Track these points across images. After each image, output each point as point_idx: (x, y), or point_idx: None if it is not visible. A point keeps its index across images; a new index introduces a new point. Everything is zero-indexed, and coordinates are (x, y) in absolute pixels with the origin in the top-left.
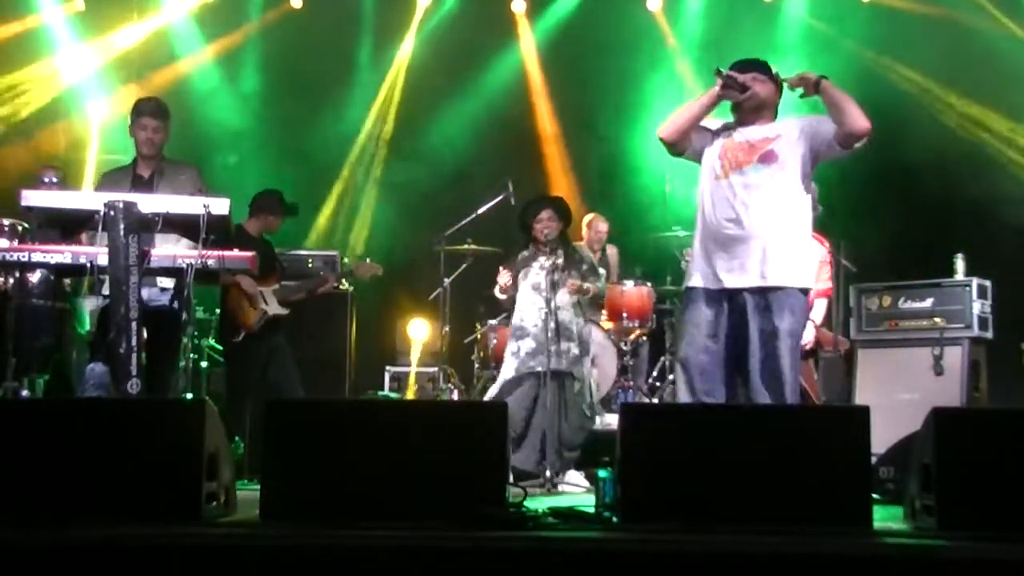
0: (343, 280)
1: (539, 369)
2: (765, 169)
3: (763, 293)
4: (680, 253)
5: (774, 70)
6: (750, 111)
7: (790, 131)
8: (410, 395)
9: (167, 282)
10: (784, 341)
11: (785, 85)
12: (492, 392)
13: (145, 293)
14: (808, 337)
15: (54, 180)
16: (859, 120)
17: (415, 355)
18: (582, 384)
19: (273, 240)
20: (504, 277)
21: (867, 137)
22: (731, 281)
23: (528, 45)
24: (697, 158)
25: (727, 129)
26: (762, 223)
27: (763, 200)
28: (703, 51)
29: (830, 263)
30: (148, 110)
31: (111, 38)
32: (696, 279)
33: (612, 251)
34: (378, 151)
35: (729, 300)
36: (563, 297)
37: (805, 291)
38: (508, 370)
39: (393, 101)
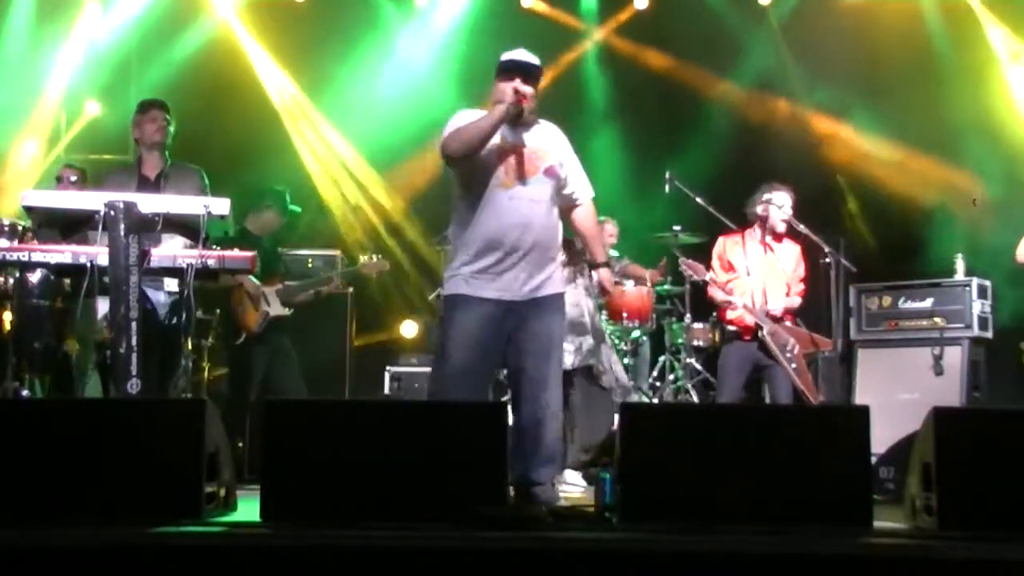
0: (347, 281)
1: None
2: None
3: None
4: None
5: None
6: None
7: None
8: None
9: (172, 285)
10: None
11: None
12: None
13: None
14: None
15: (72, 179)
16: None
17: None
18: (608, 371)
19: (274, 239)
20: None
21: None
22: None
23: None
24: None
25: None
26: None
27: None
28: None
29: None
30: (157, 104)
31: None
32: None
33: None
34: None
35: None
36: (569, 296)
37: None
38: None
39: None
